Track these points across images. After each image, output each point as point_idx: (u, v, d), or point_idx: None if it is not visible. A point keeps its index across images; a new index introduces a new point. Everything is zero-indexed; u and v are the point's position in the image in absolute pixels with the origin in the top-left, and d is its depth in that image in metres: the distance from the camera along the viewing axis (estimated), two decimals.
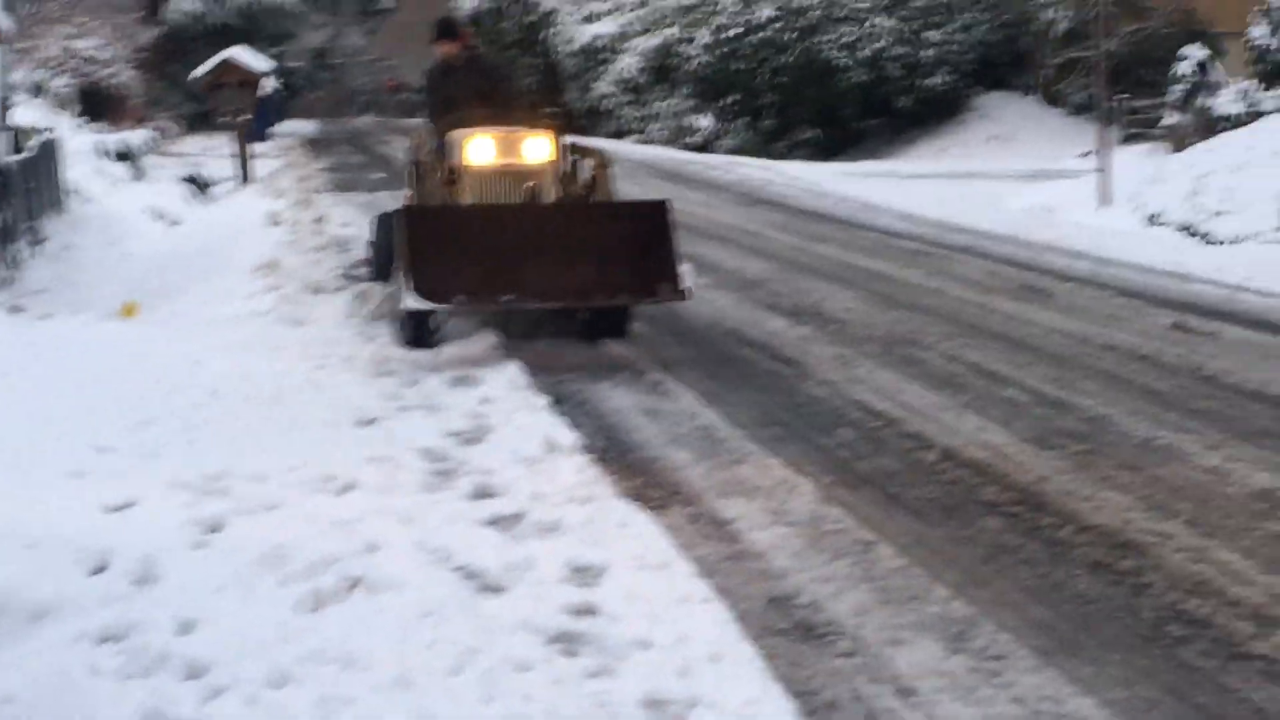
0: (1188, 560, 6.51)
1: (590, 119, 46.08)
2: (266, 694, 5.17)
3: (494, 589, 6.17)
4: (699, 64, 40.72)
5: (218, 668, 5.36)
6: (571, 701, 5.14)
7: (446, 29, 13.21)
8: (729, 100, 41.09)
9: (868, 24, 38.95)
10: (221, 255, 16.47)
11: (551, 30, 51.05)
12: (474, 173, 11.76)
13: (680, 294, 10.85)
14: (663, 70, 44.97)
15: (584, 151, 12.55)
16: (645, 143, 43.56)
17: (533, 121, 12.36)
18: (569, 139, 12.60)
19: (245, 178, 28.55)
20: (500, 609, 5.91)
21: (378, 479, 7.73)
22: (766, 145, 40.60)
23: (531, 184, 11.57)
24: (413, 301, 10.45)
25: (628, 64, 46.90)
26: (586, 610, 5.92)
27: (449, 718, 5.02)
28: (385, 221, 12.41)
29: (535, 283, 10.72)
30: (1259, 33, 20.44)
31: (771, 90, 39.55)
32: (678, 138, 43.63)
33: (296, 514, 7.04)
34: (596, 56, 48.03)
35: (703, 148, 41.23)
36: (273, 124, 52.99)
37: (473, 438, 8.73)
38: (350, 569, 6.19)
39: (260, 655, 5.43)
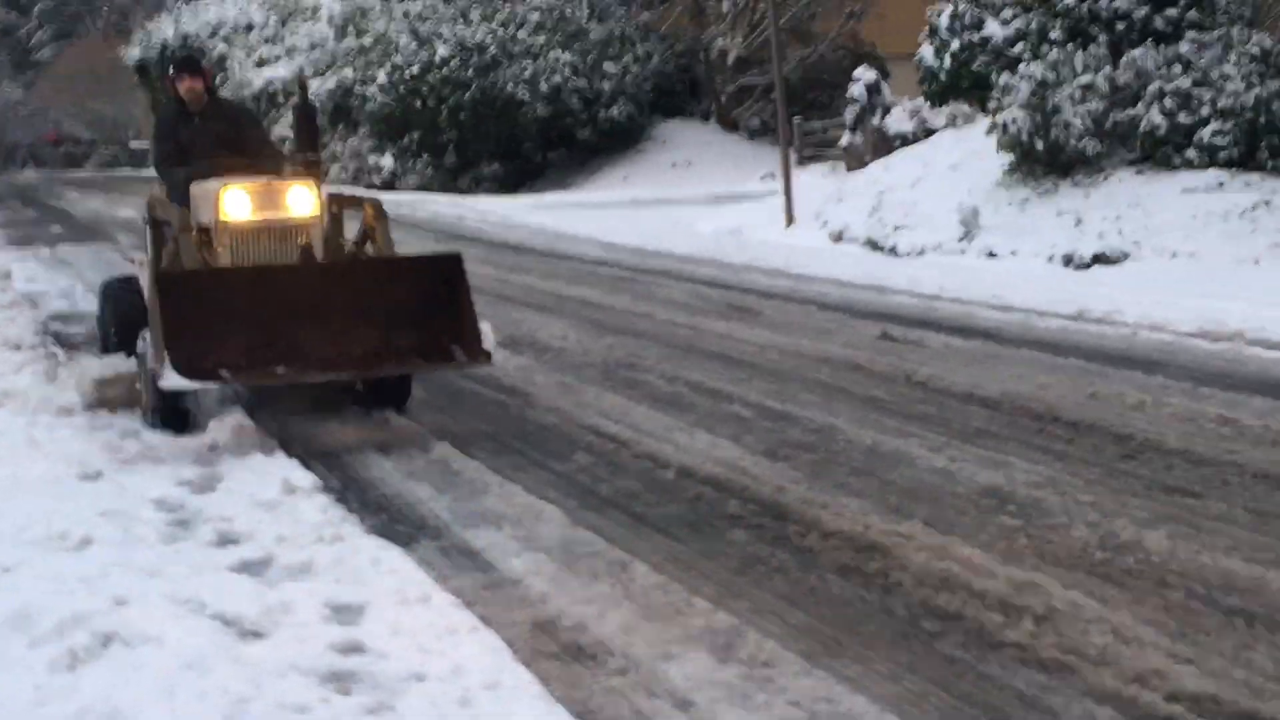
0: (931, 558, 6.73)
1: None
2: None
3: (255, 634, 6.05)
4: (378, 104, 40.59)
5: None
6: None
7: (189, 64, 11.71)
8: (410, 139, 41.03)
9: (545, 58, 39.32)
10: None
11: (224, 75, 50.29)
12: (232, 230, 10.24)
13: (482, 356, 9.72)
14: (341, 111, 44.62)
15: (349, 202, 11.27)
16: (327, 184, 43.12)
17: (287, 171, 10.77)
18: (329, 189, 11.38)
19: None
20: (265, 654, 5.78)
21: (114, 533, 7.48)
22: (450, 182, 40.62)
23: (304, 240, 10.22)
24: (172, 379, 9.08)
25: None
26: (354, 648, 5.85)
27: None
28: (118, 289, 11.45)
29: (314, 352, 9.56)
30: (928, 53, 21.25)
31: (453, 127, 39.62)
32: (360, 178, 43.35)
33: (35, 573, 6.77)
34: (273, 100, 47.44)
35: (386, 187, 41.03)
36: None
37: (205, 485, 8.52)
38: (102, 625, 5.99)
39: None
